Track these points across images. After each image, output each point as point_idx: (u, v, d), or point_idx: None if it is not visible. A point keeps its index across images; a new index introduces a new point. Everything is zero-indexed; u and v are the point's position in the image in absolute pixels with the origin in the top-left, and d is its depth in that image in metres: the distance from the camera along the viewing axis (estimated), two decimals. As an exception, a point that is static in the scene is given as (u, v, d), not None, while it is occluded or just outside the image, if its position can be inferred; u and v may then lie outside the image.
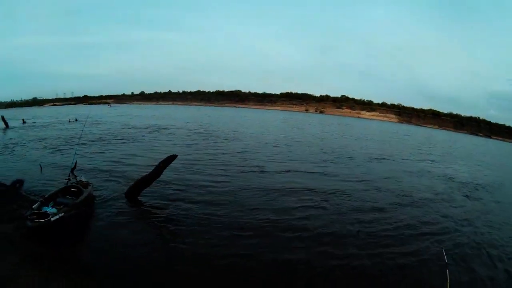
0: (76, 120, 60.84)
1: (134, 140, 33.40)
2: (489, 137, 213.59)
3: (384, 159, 31.79)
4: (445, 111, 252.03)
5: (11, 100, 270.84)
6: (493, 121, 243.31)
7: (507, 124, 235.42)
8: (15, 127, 51.05)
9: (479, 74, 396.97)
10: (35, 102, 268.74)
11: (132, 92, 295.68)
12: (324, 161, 26.83)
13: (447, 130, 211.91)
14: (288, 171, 22.10)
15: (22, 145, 29.57)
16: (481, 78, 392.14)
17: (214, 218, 12.31)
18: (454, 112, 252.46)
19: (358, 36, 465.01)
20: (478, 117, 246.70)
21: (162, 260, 9.62)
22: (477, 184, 25.27)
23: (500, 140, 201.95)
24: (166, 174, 16.24)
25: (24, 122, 58.92)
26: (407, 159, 33.84)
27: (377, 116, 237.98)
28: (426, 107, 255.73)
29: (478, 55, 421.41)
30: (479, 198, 20.69)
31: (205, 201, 14.29)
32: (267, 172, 21.08)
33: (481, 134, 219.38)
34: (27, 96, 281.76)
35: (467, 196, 20.81)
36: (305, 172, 22.11)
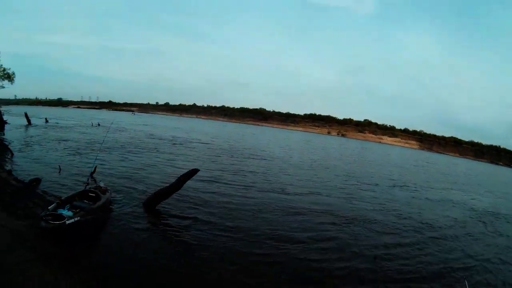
0: (99, 125, 61.52)
1: (157, 151, 33.20)
2: (509, 166, 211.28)
3: (407, 186, 30.95)
4: (466, 139, 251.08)
5: (36, 98, 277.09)
6: None
7: None
8: (37, 125, 51.72)
9: (501, 103, 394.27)
10: (60, 103, 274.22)
11: (157, 102, 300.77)
12: (348, 186, 25.99)
13: (468, 158, 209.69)
14: (311, 193, 21.46)
15: (43, 144, 29.70)
16: (503, 107, 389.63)
17: (227, 236, 11.78)
18: (475, 140, 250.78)
19: (384, 61, 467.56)
20: (499, 146, 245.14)
21: (168, 265, 9.38)
22: (498, 214, 24.44)
23: None
24: (187, 188, 15.99)
25: (46, 121, 59.73)
26: (429, 187, 32.77)
27: (399, 142, 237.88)
28: (447, 134, 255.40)
29: (503, 84, 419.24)
30: (500, 230, 19.78)
31: (221, 218, 13.77)
32: (289, 193, 20.39)
33: (501, 163, 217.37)
34: (52, 95, 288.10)
35: (488, 227, 19.97)
36: (328, 196, 21.37)
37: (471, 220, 21.05)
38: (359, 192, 24.10)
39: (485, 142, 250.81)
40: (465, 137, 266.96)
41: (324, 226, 14.73)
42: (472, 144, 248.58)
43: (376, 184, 28.57)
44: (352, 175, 33.05)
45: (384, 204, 21.31)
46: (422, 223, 17.63)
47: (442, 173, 56.64)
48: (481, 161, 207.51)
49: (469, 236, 17.03)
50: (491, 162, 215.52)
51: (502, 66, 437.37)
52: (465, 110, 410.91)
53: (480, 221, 21.23)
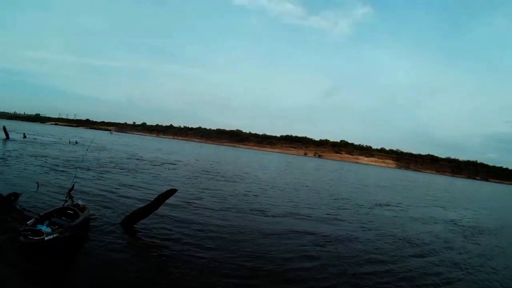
0: (77, 142, 61.20)
1: (138, 171, 33.00)
2: (487, 180, 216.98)
3: (389, 205, 31.37)
4: (443, 156, 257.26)
5: (14, 112, 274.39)
6: (491, 164, 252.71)
7: (504, 167, 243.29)
8: (15, 140, 51.36)
9: (477, 118, 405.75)
10: (38, 118, 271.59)
11: (134, 122, 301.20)
12: (329, 206, 26.10)
13: (445, 175, 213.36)
14: (292, 214, 21.49)
15: (21, 159, 29.48)
16: (479, 122, 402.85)
17: (205, 257, 11.72)
18: (452, 157, 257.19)
19: (360, 82, 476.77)
20: (476, 161, 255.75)
21: (144, 284, 9.43)
22: (478, 228, 25.37)
23: (498, 182, 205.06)
24: (166, 208, 16.28)
25: (25, 136, 59.40)
26: (411, 206, 33.65)
27: (376, 161, 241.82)
28: (424, 152, 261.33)
29: (476, 99, 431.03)
30: (481, 242, 20.57)
31: (200, 238, 13.76)
32: (269, 214, 20.32)
33: (479, 178, 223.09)
34: (31, 110, 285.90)
35: (470, 241, 20.67)
36: (309, 216, 21.38)
37: (453, 235, 21.73)
38: (341, 211, 24.32)
39: (462, 157, 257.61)
40: (442, 154, 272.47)
41: (305, 246, 14.79)
42: (449, 160, 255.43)
43: (359, 205, 28.84)
44: (333, 195, 33.34)
45: (366, 223, 21.58)
46: (404, 240, 17.99)
47: (422, 191, 58.26)
48: (458, 177, 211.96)
49: (450, 249, 17.61)
50: (469, 177, 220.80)
51: (476, 83, 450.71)
52: (441, 127, 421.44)
53: (462, 235, 22.03)
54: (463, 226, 25.23)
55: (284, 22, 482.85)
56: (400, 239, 18.13)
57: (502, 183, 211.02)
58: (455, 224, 25.40)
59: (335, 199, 30.41)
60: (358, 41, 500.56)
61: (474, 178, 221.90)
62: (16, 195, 15.61)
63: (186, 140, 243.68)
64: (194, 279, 9.99)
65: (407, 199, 38.12)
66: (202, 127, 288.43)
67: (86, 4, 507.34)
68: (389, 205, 31.01)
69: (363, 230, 19.31)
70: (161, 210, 15.38)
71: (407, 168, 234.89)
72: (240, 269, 11.17)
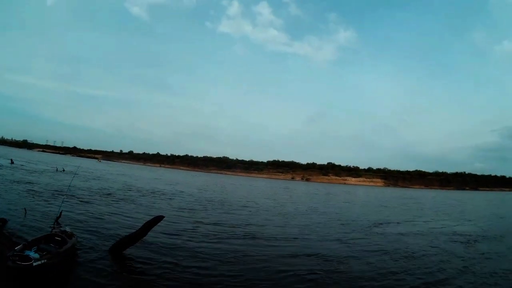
0: (64, 170, 60.76)
1: (127, 199, 32.95)
2: (476, 189, 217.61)
3: (388, 223, 31.83)
4: (431, 170, 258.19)
5: (2, 137, 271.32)
6: (479, 173, 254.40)
7: (492, 174, 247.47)
8: (2, 165, 50.98)
9: (463, 129, 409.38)
10: (25, 144, 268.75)
11: (121, 150, 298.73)
12: (325, 228, 26.05)
13: (434, 188, 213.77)
14: (288, 238, 21.44)
15: (8, 186, 29.39)
16: (465, 133, 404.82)
17: (196, 284, 11.79)
18: (440, 170, 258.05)
19: (344, 105, 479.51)
20: (464, 172, 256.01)
21: None
22: (472, 236, 26.15)
23: (487, 190, 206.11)
24: (156, 235, 16.49)
25: (12, 162, 58.95)
26: (406, 221, 34.49)
27: (364, 181, 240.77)
28: (411, 168, 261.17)
29: (461, 110, 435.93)
30: (483, 251, 20.92)
31: (190, 265, 13.63)
32: (263, 238, 20.44)
33: (468, 188, 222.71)
34: (18, 136, 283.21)
35: (466, 249, 21.30)
36: (307, 239, 21.33)
37: (454, 245, 22.23)
38: (336, 233, 24.20)
39: (450, 170, 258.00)
40: (429, 168, 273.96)
41: (305, 267, 14.83)
42: (437, 174, 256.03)
43: (352, 221, 28.83)
44: (328, 218, 33.44)
45: (362, 240, 21.94)
46: (404, 256, 18.06)
47: (416, 207, 58.69)
48: (447, 189, 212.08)
49: (454, 259, 18.04)
50: (458, 188, 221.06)
51: (459, 94, 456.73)
52: (427, 143, 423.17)
53: (461, 244, 22.85)
54: (460, 236, 26.23)
55: (268, 49, 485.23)
56: (399, 255, 18.27)
57: (493, 190, 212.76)
58: (454, 235, 25.40)
59: (330, 221, 30.21)
60: (342, 65, 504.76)
61: (463, 189, 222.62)
62: (4, 221, 15.58)
63: (173, 168, 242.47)
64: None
65: (400, 216, 38.27)
66: (189, 155, 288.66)
67: (75, 32, 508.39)
68: (388, 223, 31.12)
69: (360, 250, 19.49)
70: (153, 237, 15.52)
71: (395, 185, 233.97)
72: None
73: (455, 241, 23.73)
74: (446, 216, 43.59)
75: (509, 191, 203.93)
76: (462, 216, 44.18)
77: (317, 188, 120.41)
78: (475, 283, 13.65)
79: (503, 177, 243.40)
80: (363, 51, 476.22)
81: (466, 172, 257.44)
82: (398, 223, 32.47)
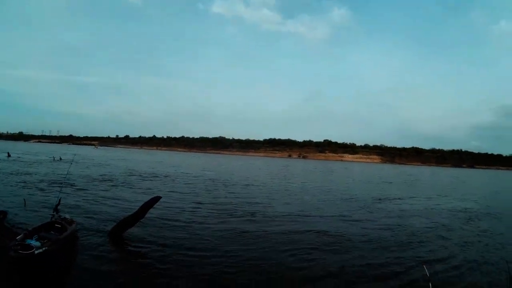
0: (61, 159, 60.78)
1: (127, 184, 33.35)
2: (473, 166, 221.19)
3: (391, 199, 32.58)
4: (427, 148, 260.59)
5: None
6: (475, 151, 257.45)
7: (489, 153, 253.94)
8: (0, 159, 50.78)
9: (460, 108, 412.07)
10: (21, 137, 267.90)
11: (117, 135, 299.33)
12: (328, 207, 26.27)
13: (431, 165, 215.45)
14: (291, 214, 21.96)
15: (6, 178, 29.48)
16: (462, 112, 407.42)
17: (197, 264, 11.89)
18: (437, 148, 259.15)
19: (339, 83, 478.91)
20: (460, 150, 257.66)
21: None
22: (478, 214, 26.40)
23: (484, 168, 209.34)
24: (157, 216, 17.04)
25: (9, 155, 58.90)
26: (408, 198, 35.23)
27: (360, 158, 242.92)
28: (408, 145, 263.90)
29: (458, 89, 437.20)
30: (478, 227, 21.61)
31: (191, 246, 13.81)
32: (268, 216, 20.95)
33: (465, 165, 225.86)
34: (13, 129, 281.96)
35: (473, 228, 21.39)
36: (309, 216, 21.93)
37: (456, 222, 22.70)
38: (339, 210, 24.73)
39: (446, 148, 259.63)
40: (426, 146, 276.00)
41: (304, 243, 15.19)
42: (433, 151, 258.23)
43: (351, 199, 29.58)
44: (332, 195, 34.34)
45: (359, 216, 22.50)
46: (406, 233, 18.36)
47: (417, 183, 60.17)
48: (444, 166, 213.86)
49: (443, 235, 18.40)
50: (454, 166, 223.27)
51: (456, 73, 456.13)
52: (423, 120, 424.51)
53: (463, 221, 23.28)
54: (455, 212, 26.62)
55: (262, 28, 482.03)
56: (397, 230, 18.63)
57: (489, 168, 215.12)
58: (448, 211, 25.91)
59: (332, 199, 30.68)
60: (337, 44, 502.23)
61: (460, 166, 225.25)
62: (4, 213, 15.78)
63: (171, 150, 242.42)
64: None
65: (399, 192, 38.58)
66: (185, 136, 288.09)
67: (65, 20, 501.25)
68: (387, 199, 31.84)
69: (352, 222, 19.73)
70: (152, 219, 15.86)
71: (392, 162, 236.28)
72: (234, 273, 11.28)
73: (457, 218, 24.28)
74: (447, 192, 44.47)
75: (506, 169, 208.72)
76: (463, 193, 44.98)
77: (315, 166, 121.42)
78: (476, 261, 13.71)
79: (499, 156, 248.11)
80: (357, 30, 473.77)
81: (463, 150, 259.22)
82: (400, 199, 33.26)
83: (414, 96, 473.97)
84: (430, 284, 8.25)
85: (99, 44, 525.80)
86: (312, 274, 11.34)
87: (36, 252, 9.83)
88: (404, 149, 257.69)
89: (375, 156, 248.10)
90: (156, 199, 15.03)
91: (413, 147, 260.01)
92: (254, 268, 11.67)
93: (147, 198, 15.94)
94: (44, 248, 10.21)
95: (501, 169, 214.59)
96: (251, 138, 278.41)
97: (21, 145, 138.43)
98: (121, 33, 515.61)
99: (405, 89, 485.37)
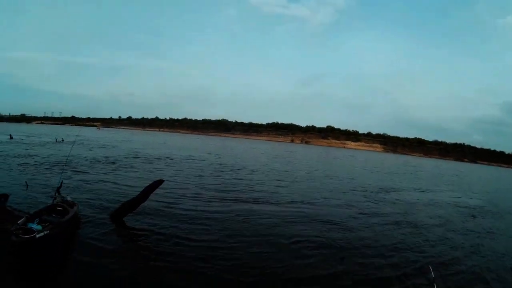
0: (63, 140, 60.78)
1: (132, 166, 33.30)
2: (475, 162, 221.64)
3: (399, 191, 32.64)
4: (430, 139, 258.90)
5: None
6: (477, 146, 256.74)
7: (492, 149, 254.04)
8: (1, 141, 50.85)
9: (463, 101, 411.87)
10: (23, 119, 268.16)
11: (120, 116, 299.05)
12: (330, 194, 26.66)
13: (433, 158, 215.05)
14: (295, 202, 22.00)
15: (8, 161, 29.44)
16: (465, 105, 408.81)
17: (196, 246, 12.05)
18: (439, 139, 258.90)
19: (343, 68, 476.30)
20: (463, 143, 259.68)
21: (136, 278, 9.65)
22: (485, 212, 26.43)
23: (486, 164, 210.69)
24: (160, 200, 17.21)
25: (11, 137, 58.83)
26: (415, 190, 35.19)
27: (363, 146, 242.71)
28: (410, 135, 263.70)
29: (462, 82, 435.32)
30: (483, 224, 21.53)
31: (193, 230, 13.89)
32: (272, 203, 20.89)
33: (466, 160, 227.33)
34: (15, 111, 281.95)
35: (468, 222, 21.65)
36: (311, 204, 21.90)
37: (462, 218, 22.66)
38: (345, 199, 24.65)
39: (449, 140, 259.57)
40: (428, 137, 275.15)
41: (306, 231, 15.18)
42: (436, 143, 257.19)
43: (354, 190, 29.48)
44: (339, 183, 34.31)
45: (364, 206, 22.66)
46: (412, 227, 18.32)
47: (423, 176, 59.64)
48: (447, 159, 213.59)
49: (447, 231, 18.31)
50: (457, 159, 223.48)
51: (460, 64, 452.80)
52: (426, 110, 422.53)
53: (469, 218, 23.22)
54: (464, 207, 26.86)
55: (264, 10, 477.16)
56: (400, 222, 19.03)
57: (491, 165, 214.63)
58: (454, 206, 26.14)
59: (334, 187, 30.65)
60: (340, 28, 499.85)
61: (462, 160, 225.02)
62: (5, 196, 15.67)
63: (173, 132, 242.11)
64: (183, 271, 10.22)
65: (404, 184, 38.56)
66: (188, 118, 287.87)
67: (61, 1, 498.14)
68: (394, 190, 31.93)
69: (360, 214, 19.75)
70: (155, 202, 15.98)
71: (394, 151, 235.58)
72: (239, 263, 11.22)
73: (464, 215, 24.07)
74: (452, 187, 44.44)
75: (507, 167, 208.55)
76: (468, 188, 44.77)
77: (320, 152, 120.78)
78: (483, 265, 13.42)
79: (501, 153, 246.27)
80: (360, 14, 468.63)
81: (465, 144, 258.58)
82: (405, 191, 33.25)
83: (417, 85, 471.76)
84: (435, 286, 8.22)
85: (98, 26, 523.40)
86: (312, 270, 11.17)
87: (37, 236, 9.81)
88: (407, 139, 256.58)
89: (377, 145, 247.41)
90: (159, 182, 14.99)
91: (416, 138, 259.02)
92: (253, 260, 11.51)
93: (149, 181, 15.88)
94: (45, 232, 10.20)
95: (503, 166, 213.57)
96: (254, 122, 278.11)
97: (23, 127, 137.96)
98: (118, 15, 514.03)
99: (408, 77, 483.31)
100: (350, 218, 18.71)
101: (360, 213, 20.43)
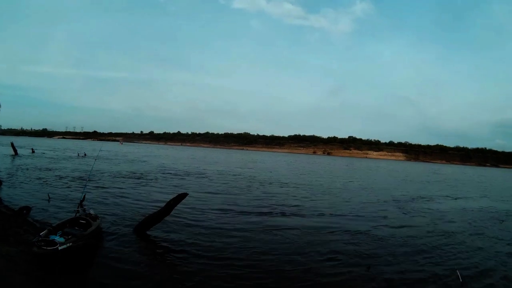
0: (85, 155, 61.39)
1: (157, 180, 33.09)
2: (497, 166, 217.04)
3: (421, 198, 31.62)
4: (452, 145, 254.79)
5: (21, 128, 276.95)
6: (499, 150, 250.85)
7: None
8: (24, 155, 51.65)
9: (484, 105, 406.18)
10: (45, 133, 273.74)
11: (141, 131, 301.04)
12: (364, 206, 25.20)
13: (455, 164, 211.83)
14: (322, 214, 21.01)
15: (31, 174, 29.64)
16: (486, 109, 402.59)
17: (219, 264, 11.38)
18: (461, 145, 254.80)
19: (363, 78, 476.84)
20: (485, 148, 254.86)
21: None
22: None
23: (508, 168, 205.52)
24: (185, 213, 16.87)
25: (33, 151, 59.79)
26: (439, 197, 34.11)
27: (385, 155, 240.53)
28: (432, 142, 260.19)
29: (482, 86, 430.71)
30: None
31: (222, 246, 13.26)
32: (300, 215, 20.21)
33: (488, 164, 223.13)
34: (37, 126, 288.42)
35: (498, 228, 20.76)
36: (341, 215, 21.11)
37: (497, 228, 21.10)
38: (380, 211, 23.53)
39: (471, 146, 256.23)
40: (450, 143, 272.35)
41: (334, 242, 14.62)
42: (458, 149, 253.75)
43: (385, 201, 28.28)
44: (374, 194, 32.88)
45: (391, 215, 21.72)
46: (444, 237, 17.19)
47: (452, 183, 57.90)
48: (469, 165, 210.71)
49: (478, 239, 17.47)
50: (479, 165, 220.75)
51: (482, 70, 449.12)
52: (448, 118, 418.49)
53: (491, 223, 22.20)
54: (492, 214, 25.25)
55: (285, 23, 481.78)
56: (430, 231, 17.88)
57: None
58: (487, 212, 25.06)
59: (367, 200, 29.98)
60: (360, 38, 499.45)
61: (484, 165, 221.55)
62: (27, 209, 15.61)
63: (195, 146, 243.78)
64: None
65: (437, 192, 37.55)
66: (210, 132, 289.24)
67: (86, 16, 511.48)
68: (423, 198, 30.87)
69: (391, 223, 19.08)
70: (179, 216, 15.59)
71: (416, 159, 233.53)
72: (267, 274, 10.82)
73: (494, 221, 22.94)
74: (482, 193, 43.06)
75: None
76: (495, 194, 43.01)
77: (343, 163, 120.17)
78: None
79: None
80: (380, 23, 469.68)
81: (487, 148, 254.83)
82: (437, 199, 32.10)
83: (438, 92, 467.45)
84: None
85: (120, 40, 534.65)
86: (340, 279, 10.80)
87: (60, 248, 9.62)
88: (428, 146, 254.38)
89: (399, 154, 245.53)
90: (183, 195, 14.59)
91: (437, 145, 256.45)
92: (286, 279, 10.82)
93: (174, 194, 15.50)
94: (68, 244, 10.00)
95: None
96: (276, 134, 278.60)
97: (45, 141, 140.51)
98: (141, 28, 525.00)
99: (428, 84, 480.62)
100: (381, 228, 17.89)
101: (389, 223, 19.57)
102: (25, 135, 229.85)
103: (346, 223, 18.52)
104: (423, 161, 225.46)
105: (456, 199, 33.37)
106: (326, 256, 12.74)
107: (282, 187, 33.85)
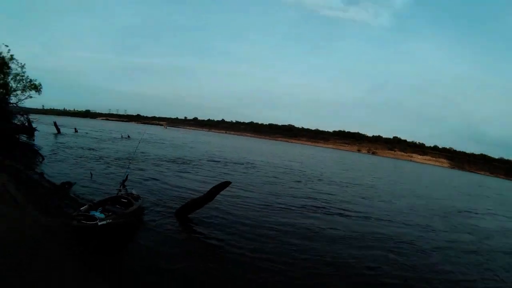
0: (129, 137, 62.03)
1: (200, 166, 32.77)
2: None
3: (473, 213, 29.39)
4: (495, 156, 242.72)
5: (64, 109, 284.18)
6: None
7: None
8: (67, 134, 52.68)
9: None
10: (88, 114, 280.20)
11: (185, 117, 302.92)
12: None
13: (499, 177, 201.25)
14: (368, 218, 19.83)
15: (73, 152, 30.11)
16: None
17: (255, 256, 10.92)
18: (505, 158, 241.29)
19: (406, 76, 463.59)
20: None
21: (198, 275, 9.08)
22: None
23: None
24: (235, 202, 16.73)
25: (76, 131, 60.90)
26: (491, 214, 31.35)
27: (429, 160, 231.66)
28: (475, 150, 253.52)
29: None
30: None
31: (259, 235, 12.99)
32: (350, 216, 19.24)
33: None
34: (80, 107, 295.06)
35: None
36: (390, 221, 19.82)
37: None
38: (427, 221, 21.83)
39: None
40: (494, 153, 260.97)
41: (375, 249, 13.79)
42: (503, 161, 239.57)
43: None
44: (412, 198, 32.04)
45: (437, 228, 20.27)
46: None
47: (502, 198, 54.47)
48: None
49: None
50: None
51: None
52: (493, 124, 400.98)
53: None
54: None
55: (323, 14, 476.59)
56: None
57: None
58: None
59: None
60: (401, 32, 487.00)
61: None
62: (69, 184, 15.67)
63: (239, 134, 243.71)
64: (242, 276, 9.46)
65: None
66: (254, 122, 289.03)
67: (129, 5, 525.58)
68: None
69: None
70: (223, 203, 15.46)
71: (461, 168, 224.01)
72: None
73: None
74: None
75: None
76: None
77: (389, 164, 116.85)
78: None
79: None
80: (421, 17, 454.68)
81: None
82: (489, 216, 29.67)
83: (484, 95, 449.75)
84: None
85: (160, 29, 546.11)
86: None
87: (99, 223, 9.47)
88: (472, 155, 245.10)
89: (444, 160, 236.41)
90: (226, 184, 14.16)
91: (481, 154, 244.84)
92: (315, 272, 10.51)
93: (218, 182, 15.09)
94: (108, 221, 9.85)
95: None
96: (320, 129, 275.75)
97: (88, 122, 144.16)
98: (180, 17, 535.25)
99: (474, 85, 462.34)
100: (425, 240, 16.72)
101: (437, 237, 18.14)
102: (68, 116, 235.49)
103: (391, 230, 17.38)
104: (468, 170, 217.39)
105: (506, 218, 31.51)
106: (366, 264, 11.95)
107: (330, 184, 32.58)
